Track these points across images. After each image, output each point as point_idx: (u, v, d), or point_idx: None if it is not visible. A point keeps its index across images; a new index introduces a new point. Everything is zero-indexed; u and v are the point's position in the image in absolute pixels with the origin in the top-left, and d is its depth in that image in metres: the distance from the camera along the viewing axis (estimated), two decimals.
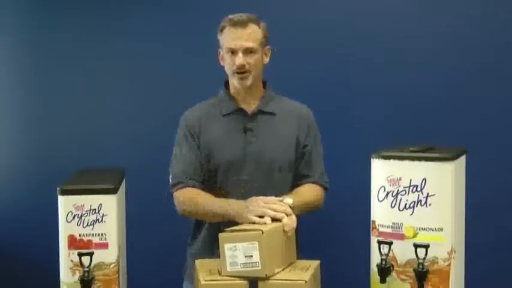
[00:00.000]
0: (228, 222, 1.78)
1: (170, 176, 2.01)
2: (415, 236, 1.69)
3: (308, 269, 1.67)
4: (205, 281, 1.61)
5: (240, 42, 1.93)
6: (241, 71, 1.95)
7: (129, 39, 2.92)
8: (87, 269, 1.77)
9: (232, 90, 2.04)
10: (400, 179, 1.71)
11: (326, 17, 2.77)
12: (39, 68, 2.99)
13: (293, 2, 2.81)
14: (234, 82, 2.00)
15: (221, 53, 2.02)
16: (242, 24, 1.94)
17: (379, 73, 2.70)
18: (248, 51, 1.94)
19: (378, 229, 1.74)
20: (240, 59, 1.93)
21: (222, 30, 1.98)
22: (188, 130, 2.01)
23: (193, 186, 1.97)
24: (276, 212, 1.72)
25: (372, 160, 1.76)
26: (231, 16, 1.97)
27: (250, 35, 1.94)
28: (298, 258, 1.78)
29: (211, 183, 1.99)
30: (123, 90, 2.96)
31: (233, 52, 1.95)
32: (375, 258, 1.73)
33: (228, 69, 1.99)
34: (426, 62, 2.67)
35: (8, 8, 2.98)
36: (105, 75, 2.97)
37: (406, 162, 1.71)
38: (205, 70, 2.55)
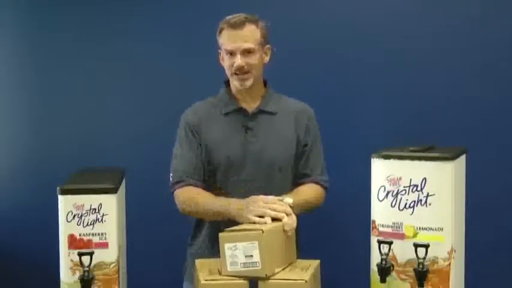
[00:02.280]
0: (228, 222, 1.78)
1: (171, 175, 2.01)
2: (415, 235, 1.69)
3: (308, 268, 1.67)
4: (205, 280, 1.61)
5: (237, 43, 1.93)
6: (241, 72, 1.95)
7: (129, 39, 2.92)
8: (87, 268, 1.77)
9: (233, 89, 2.04)
10: (400, 178, 1.71)
11: (326, 17, 2.76)
12: (39, 68, 2.99)
13: (293, 2, 2.80)
14: (234, 83, 2.00)
15: (221, 54, 2.02)
16: (239, 25, 1.93)
17: (379, 73, 2.70)
18: (246, 52, 1.94)
19: (378, 229, 1.74)
20: (238, 60, 1.93)
21: (220, 32, 1.98)
22: (189, 129, 2.01)
23: (194, 185, 1.97)
24: (276, 211, 1.72)
25: (372, 160, 1.76)
26: (228, 17, 1.96)
27: (248, 35, 1.94)
28: (298, 258, 1.78)
29: (211, 182, 2.00)
30: (123, 90, 2.96)
31: (231, 53, 1.95)
32: (375, 258, 1.73)
33: (228, 71, 1.99)
34: (426, 62, 2.66)
35: (7, 7, 2.98)
36: (105, 75, 2.96)
37: (406, 162, 1.71)
38: (205, 70, 2.54)
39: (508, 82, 2.59)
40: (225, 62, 1.98)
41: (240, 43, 1.93)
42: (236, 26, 1.93)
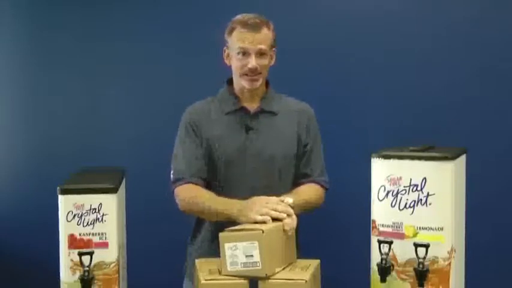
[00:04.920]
0: (228, 222, 1.78)
1: (172, 172, 2.01)
2: (415, 235, 1.69)
3: (308, 268, 1.67)
4: (205, 280, 1.61)
5: (253, 45, 1.92)
6: (253, 74, 1.95)
7: (129, 39, 2.92)
8: (87, 268, 1.77)
9: (236, 89, 2.04)
10: (400, 178, 1.71)
11: (326, 17, 2.77)
12: (39, 67, 2.99)
13: (293, 2, 2.81)
14: (242, 83, 1.99)
15: (227, 52, 2.01)
16: (256, 27, 1.93)
17: (379, 73, 2.71)
18: (260, 53, 1.94)
19: (378, 228, 1.74)
20: (253, 61, 1.93)
21: (232, 31, 1.96)
22: (190, 127, 2.01)
23: (194, 184, 1.97)
24: (278, 212, 1.72)
25: (372, 160, 1.76)
26: (240, 17, 1.96)
27: (263, 38, 1.94)
28: (298, 257, 1.78)
29: (212, 180, 1.99)
30: (123, 90, 2.96)
31: (244, 53, 1.94)
32: (375, 258, 1.73)
33: (237, 70, 1.98)
34: (426, 62, 2.67)
35: (7, 6, 2.98)
36: (105, 75, 2.97)
37: (406, 162, 1.71)
38: (205, 70, 2.55)
39: (508, 82, 2.60)
40: (235, 61, 1.98)
41: (257, 44, 1.93)
42: (253, 28, 1.93)
